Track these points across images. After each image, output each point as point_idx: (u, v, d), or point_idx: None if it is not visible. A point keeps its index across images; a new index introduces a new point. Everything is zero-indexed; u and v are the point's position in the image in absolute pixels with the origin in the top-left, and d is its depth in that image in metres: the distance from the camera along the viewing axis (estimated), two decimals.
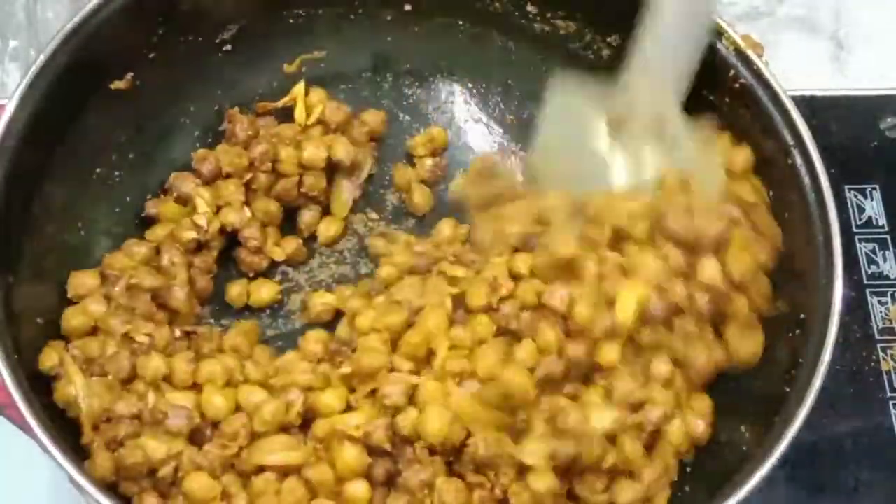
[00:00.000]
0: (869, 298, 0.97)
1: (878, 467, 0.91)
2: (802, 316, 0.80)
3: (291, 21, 0.93)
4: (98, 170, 0.87)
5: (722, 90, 0.86)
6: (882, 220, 1.00)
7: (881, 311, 0.97)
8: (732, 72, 0.86)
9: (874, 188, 1.02)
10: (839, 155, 1.02)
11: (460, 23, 0.95)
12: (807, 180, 0.82)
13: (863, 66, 1.09)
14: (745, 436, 0.80)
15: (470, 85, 0.97)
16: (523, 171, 0.93)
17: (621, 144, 0.86)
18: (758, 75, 0.85)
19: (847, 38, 1.11)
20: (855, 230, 1.00)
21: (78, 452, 0.74)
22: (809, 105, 1.04)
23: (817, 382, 0.76)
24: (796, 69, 1.08)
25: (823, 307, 0.78)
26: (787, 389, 0.78)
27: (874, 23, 1.11)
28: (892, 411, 0.93)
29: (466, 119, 0.97)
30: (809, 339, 0.78)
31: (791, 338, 0.80)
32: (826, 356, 0.77)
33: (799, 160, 0.82)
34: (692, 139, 0.85)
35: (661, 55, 0.84)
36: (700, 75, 0.86)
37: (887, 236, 1.00)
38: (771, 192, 0.84)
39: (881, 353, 0.95)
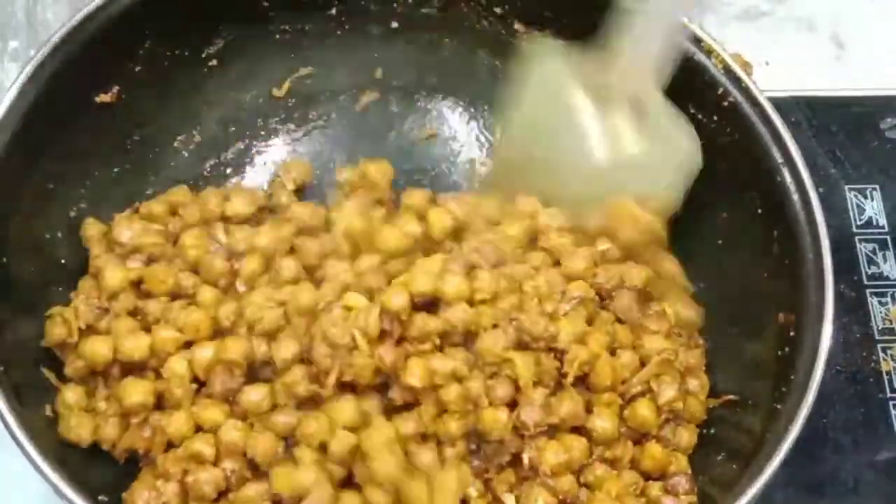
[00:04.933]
0: (869, 299, 0.97)
1: (878, 467, 0.91)
2: (792, 333, 0.80)
3: (278, 37, 0.93)
4: (87, 182, 0.87)
5: (710, 108, 0.87)
6: (882, 221, 1.00)
7: (881, 312, 0.97)
8: (721, 90, 0.86)
9: (874, 188, 1.02)
10: (839, 155, 1.03)
11: (447, 40, 0.95)
12: (796, 198, 0.82)
13: (863, 66, 1.09)
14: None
15: (457, 102, 0.97)
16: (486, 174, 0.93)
17: (600, 117, 0.86)
18: (747, 94, 0.85)
19: (847, 38, 1.11)
20: (855, 231, 1.00)
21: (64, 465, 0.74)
22: (809, 105, 1.04)
23: (803, 412, 0.76)
24: (796, 69, 1.08)
25: (814, 326, 0.78)
26: (777, 406, 0.78)
27: (874, 23, 1.11)
28: (892, 411, 0.93)
29: (452, 136, 0.97)
30: (799, 359, 0.78)
31: (781, 355, 0.81)
32: (817, 373, 0.77)
33: (788, 178, 0.82)
34: (669, 116, 0.86)
35: (650, 33, 0.83)
36: (688, 93, 0.87)
37: (887, 237, 1.00)
38: (759, 210, 0.85)
39: (881, 353, 0.95)
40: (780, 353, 0.81)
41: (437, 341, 0.76)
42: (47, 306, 0.81)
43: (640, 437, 0.82)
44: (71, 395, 0.79)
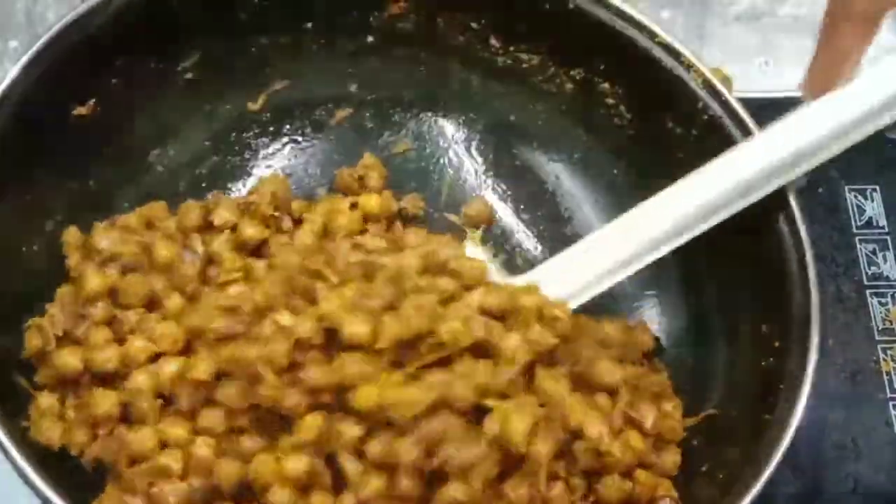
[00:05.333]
0: (869, 299, 0.97)
1: (878, 467, 0.91)
2: (777, 344, 0.80)
3: (254, 50, 0.92)
4: (63, 195, 0.86)
5: (689, 122, 0.87)
6: (882, 221, 1.00)
7: (881, 312, 0.97)
8: (700, 104, 0.86)
9: (874, 189, 1.02)
10: (839, 155, 1.02)
11: (422, 55, 0.95)
12: (779, 210, 0.82)
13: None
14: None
15: (434, 116, 0.97)
16: None
17: None
18: (727, 108, 0.85)
19: None
20: (855, 231, 1.00)
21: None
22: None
23: (794, 421, 0.75)
24: (796, 69, 1.07)
25: (801, 342, 0.78)
26: (767, 416, 0.78)
27: None
28: (892, 411, 0.93)
29: (428, 151, 0.97)
30: (787, 373, 0.78)
31: (766, 366, 0.81)
32: (808, 378, 0.77)
33: (771, 193, 0.81)
34: None
35: None
36: (667, 106, 0.87)
37: (887, 237, 1.00)
38: (739, 223, 0.84)
39: (881, 354, 0.95)
40: (763, 363, 0.81)
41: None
42: (24, 319, 0.81)
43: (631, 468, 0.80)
44: (45, 400, 0.79)
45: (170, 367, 0.77)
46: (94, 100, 0.86)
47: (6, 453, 0.72)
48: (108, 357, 0.78)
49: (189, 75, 0.91)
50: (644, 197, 0.84)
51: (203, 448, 0.75)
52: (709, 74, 0.86)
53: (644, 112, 0.90)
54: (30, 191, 0.84)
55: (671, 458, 0.81)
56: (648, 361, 0.86)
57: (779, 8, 1.12)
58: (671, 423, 0.82)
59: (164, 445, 0.77)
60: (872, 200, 1.01)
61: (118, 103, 0.87)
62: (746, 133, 0.84)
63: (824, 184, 1.01)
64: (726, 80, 0.87)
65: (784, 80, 1.04)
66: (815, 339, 0.78)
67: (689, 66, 0.86)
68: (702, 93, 0.86)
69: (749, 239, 0.84)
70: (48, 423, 0.78)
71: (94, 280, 0.81)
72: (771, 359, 0.80)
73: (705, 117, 0.86)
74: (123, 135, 0.89)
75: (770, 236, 0.82)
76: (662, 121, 0.88)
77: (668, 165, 0.88)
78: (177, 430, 0.77)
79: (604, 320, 0.84)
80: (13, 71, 0.81)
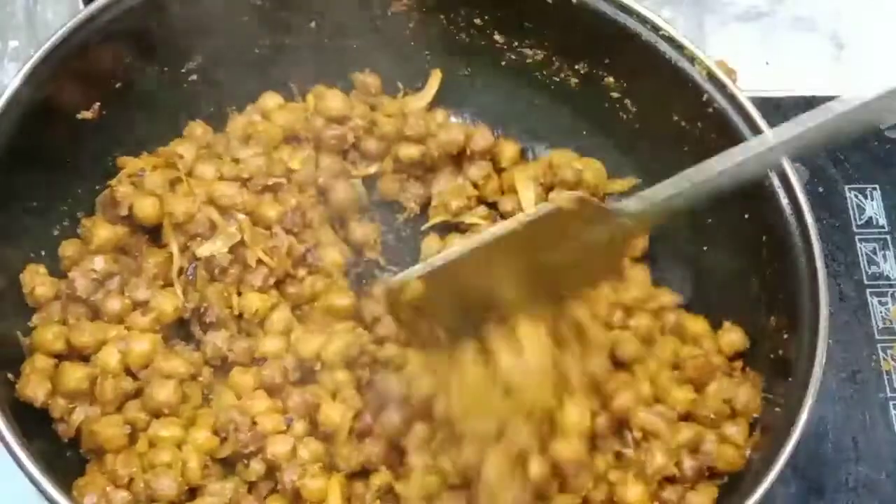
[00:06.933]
0: (869, 299, 0.97)
1: (878, 467, 0.91)
2: (786, 335, 0.81)
3: (257, 51, 0.92)
4: (69, 199, 0.87)
5: (694, 115, 0.87)
6: (882, 221, 1.00)
7: (881, 312, 0.97)
8: (706, 96, 0.86)
9: (874, 188, 1.02)
10: (839, 155, 1.02)
11: (426, 53, 0.95)
12: (785, 202, 0.82)
13: (863, 66, 1.09)
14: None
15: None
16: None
17: None
18: (732, 100, 0.85)
19: (847, 39, 1.11)
20: (855, 230, 1.00)
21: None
22: (809, 105, 1.03)
23: (809, 401, 0.76)
24: (796, 69, 1.08)
25: (811, 324, 0.78)
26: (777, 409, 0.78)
27: (874, 23, 1.11)
28: (892, 411, 0.93)
29: None
30: (796, 360, 0.78)
31: (774, 358, 0.81)
32: (819, 360, 0.77)
33: (777, 182, 0.82)
34: None
35: None
36: (671, 99, 0.87)
37: (887, 236, 1.00)
38: (746, 215, 0.85)
39: (881, 353, 0.95)
40: (772, 356, 0.81)
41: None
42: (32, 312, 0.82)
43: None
44: (40, 361, 0.80)
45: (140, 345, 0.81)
46: (98, 103, 0.86)
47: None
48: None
49: (194, 77, 0.91)
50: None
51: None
52: (713, 66, 0.86)
53: (649, 105, 0.90)
54: (36, 196, 0.84)
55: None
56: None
57: (778, 8, 1.12)
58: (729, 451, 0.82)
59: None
60: (872, 200, 1.01)
61: (122, 106, 0.87)
62: (752, 126, 0.84)
63: (824, 184, 1.00)
64: (730, 72, 0.87)
65: (784, 80, 1.04)
66: (824, 325, 0.78)
67: (692, 59, 0.86)
68: (706, 85, 0.86)
69: (754, 231, 0.84)
70: (37, 378, 0.78)
71: (104, 231, 0.83)
72: (780, 351, 0.80)
73: (710, 110, 0.86)
74: (127, 138, 0.89)
75: (776, 228, 0.82)
76: (668, 114, 0.88)
77: (675, 159, 0.88)
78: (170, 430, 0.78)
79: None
80: (15, 81, 0.80)
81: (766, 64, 1.06)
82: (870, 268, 0.98)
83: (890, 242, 1.00)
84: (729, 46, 1.04)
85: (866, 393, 0.94)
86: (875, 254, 0.99)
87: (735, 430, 0.81)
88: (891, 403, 0.93)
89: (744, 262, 0.86)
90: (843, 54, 1.10)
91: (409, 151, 0.91)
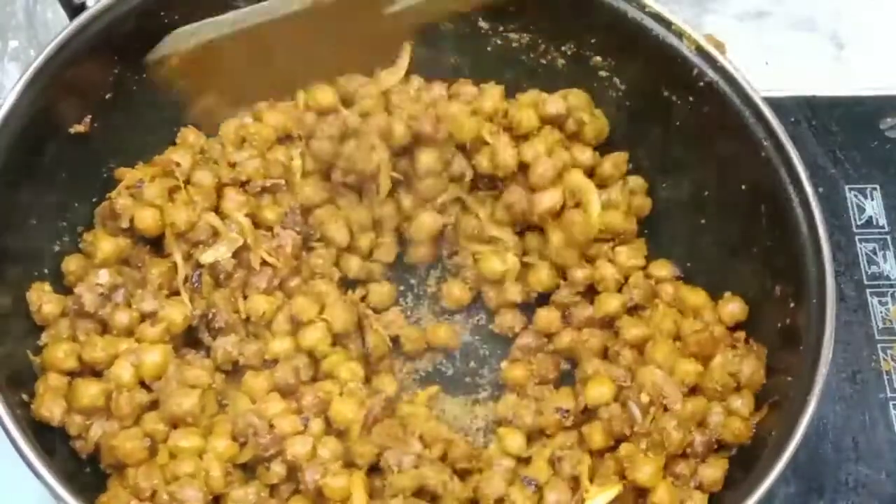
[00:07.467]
0: (869, 299, 0.97)
1: (878, 467, 0.91)
2: (792, 304, 0.81)
3: None
4: (67, 214, 0.86)
5: (685, 89, 0.86)
6: (882, 221, 1.00)
7: (881, 312, 0.97)
8: (696, 70, 0.85)
9: (874, 188, 1.02)
10: (839, 155, 1.02)
11: (410, 44, 0.94)
12: (783, 172, 0.82)
13: (863, 66, 1.09)
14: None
15: None
16: None
17: None
18: (723, 73, 0.85)
19: (847, 39, 1.11)
20: (855, 230, 1.00)
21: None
22: (809, 105, 1.04)
23: (817, 388, 0.76)
24: (796, 69, 1.08)
25: (819, 290, 0.78)
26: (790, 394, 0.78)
27: (874, 23, 1.11)
28: (892, 411, 0.93)
29: None
30: (805, 326, 0.79)
31: (782, 327, 0.81)
32: (828, 341, 0.77)
33: (773, 154, 0.82)
34: None
35: None
36: (661, 75, 0.87)
37: (887, 236, 1.00)
38: (743, 186, 0.84)
39: (881, 353, 0.95)
40: (780, 325, 0.81)
41: None
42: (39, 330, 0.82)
43: None
44: (53, 379, 0.79)
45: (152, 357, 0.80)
46: (89, 116, 0.86)
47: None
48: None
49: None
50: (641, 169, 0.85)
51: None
52: (702, 41, 0.85)
53: (638, 83, 0.90)
54: (33, 213, 0.84)
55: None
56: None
57: (778, 8, 1.12)
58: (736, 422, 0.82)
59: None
60: (872, 200, 1.01)
61: (113, 118, 0.87)
62: (744, 97, 0.84)
63: (824, 184, 1.00)
64: (719, 46, 0.86)
65: (784, 80, 1.04)
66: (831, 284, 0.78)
67: (680, 35, 0.86)
68: (696, 59, 0.85)
69: (753, 202, 0.84)
70: (52, 398, 0.78)
71: (107, 245, 0.83)
72: (787, 320, 0.80)
73: (701, 84, 0.85)
74: (120, 149, 0.88)
75: (776, 196, 0.82)
76: (658, 90, 0.88)
77: (667, 135, 0.88)
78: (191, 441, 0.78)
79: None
80: (10, 96, 0.80)
81: (765, 64, 1.06)
82: (870, 268, 0.98)
83: (890, 242, 0.99)
84: (729, 46, 1.04)
85: (866, 393, 0.94)
86: (875, 254, 0.99)
87: (740, 403, 0.82)
88: (891, 403, 0.93)
89: (744, 233, 0.86)
90: (843, 54, 1.10)
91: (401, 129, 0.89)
